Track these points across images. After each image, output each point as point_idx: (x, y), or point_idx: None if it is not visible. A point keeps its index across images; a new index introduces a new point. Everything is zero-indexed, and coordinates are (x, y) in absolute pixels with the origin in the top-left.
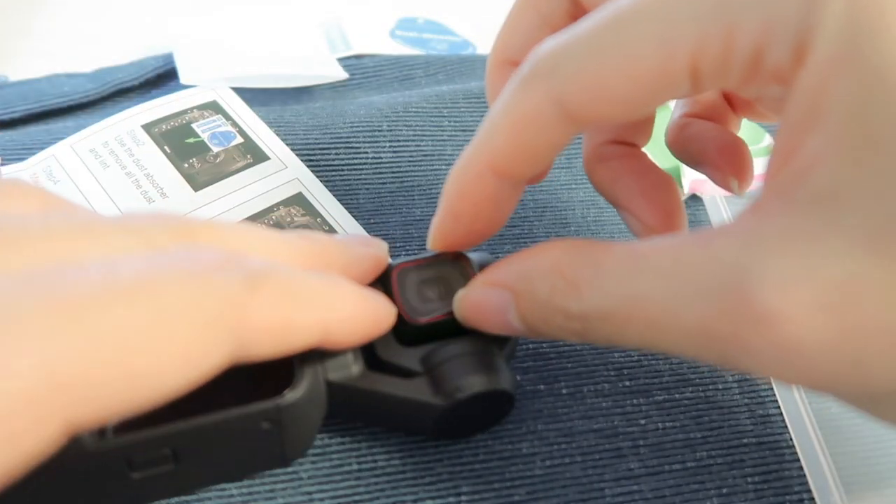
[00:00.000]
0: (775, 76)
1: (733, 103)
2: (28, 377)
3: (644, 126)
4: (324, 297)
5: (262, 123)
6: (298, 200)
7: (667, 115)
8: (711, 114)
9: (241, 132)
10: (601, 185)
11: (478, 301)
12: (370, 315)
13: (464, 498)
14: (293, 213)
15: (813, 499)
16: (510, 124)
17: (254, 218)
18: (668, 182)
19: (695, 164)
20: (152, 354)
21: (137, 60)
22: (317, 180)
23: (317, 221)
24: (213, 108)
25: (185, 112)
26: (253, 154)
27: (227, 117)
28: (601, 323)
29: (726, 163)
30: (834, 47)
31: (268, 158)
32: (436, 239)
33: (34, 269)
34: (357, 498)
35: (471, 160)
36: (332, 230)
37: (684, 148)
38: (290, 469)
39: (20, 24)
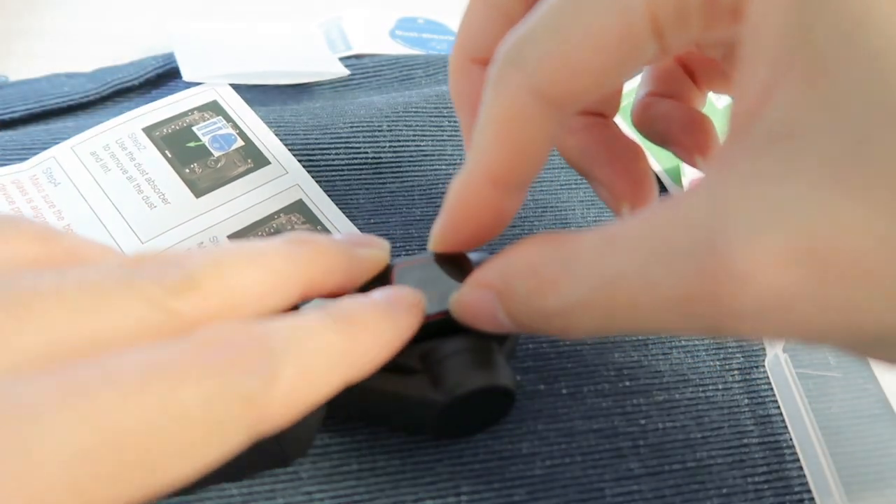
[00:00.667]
0: (730, 11)
1: (695, 77)
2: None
3: (612, 97)
4: (346, 358)
5: (262, 124)
6: (299, 208)
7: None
8: (674, 91)
9: (242, 134)
10: (570, 155)
11: (468, 302)
12: (395, 343)
13: (464, 498)
14: (293, 221)
15: (813, 499)
16: (497, 132)
17: (254, 226)
18: (636, 151)
19: (661, 142)
20: (165, 454)
21: (137, 60)
22: (317, 186)
23: (317, 229)
24: (214, 108)
25: (185, 114)
26: (254, 158)
27: (228, 118)
28: (583, 314)
29: (691, 140)
30: None
31: (268, 163)
32: (437, 243)
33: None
34: (357, 498)
35: (469, 175)
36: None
37: (650, 127)
38: (290, 469)
39: (20, 24)
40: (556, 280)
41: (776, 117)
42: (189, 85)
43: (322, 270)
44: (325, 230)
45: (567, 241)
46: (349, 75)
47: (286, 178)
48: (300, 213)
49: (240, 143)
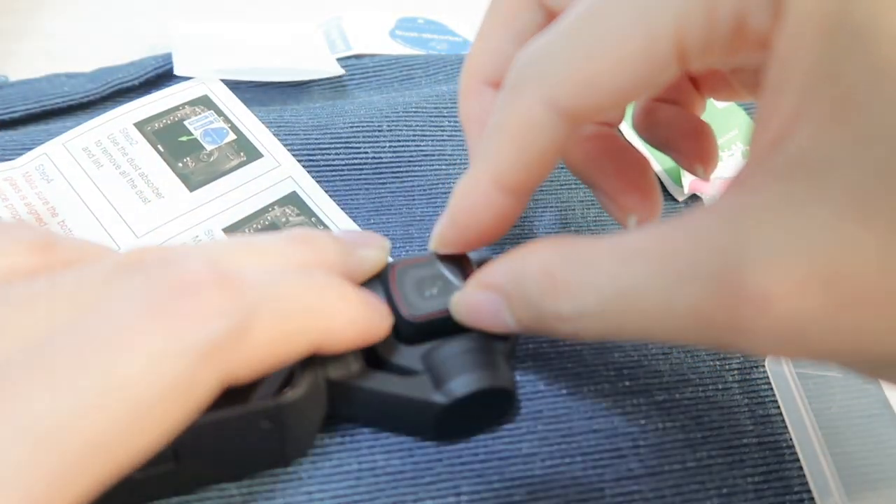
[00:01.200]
0: (758, 41)
1: (698, 84)
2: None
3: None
4: (317, 312)
5: (253, 118)
6: (293, 200)
7: None
8: (676, 97)
9: (234, 128)
10: (575, 166)
11: (472, 303)
12: (363, 323)
13: (464, 498)
14: (287, 214)
15: (813, 499)
16: (508, 138)
17: (249, 219)
18: (641, 162)
19: (662, 147)
20: (139, 397)
21: (137, 60)
22: (310, 178)
23: (311, 221)
24: (205, 103)
25: (176, 109)
26: (246, 151)
27: (219, 112)
28: (595, 320)
29: (692, 147)
30: (809, 4)
31: (261, 156)
32: (438, 243)
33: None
34: (357, 498)
35: (475, 178)
36: (326, 230)
37: (651, 132)
38: (290, 469)
39: (20, 24)
40: (571, 284)
41: (801, 146)
42: (181, 80)
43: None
44: (320, 222)
45: (583, 247)
46: (349, 75)
47: (279, 171)
48: (294, 206)
49: (232, 136)
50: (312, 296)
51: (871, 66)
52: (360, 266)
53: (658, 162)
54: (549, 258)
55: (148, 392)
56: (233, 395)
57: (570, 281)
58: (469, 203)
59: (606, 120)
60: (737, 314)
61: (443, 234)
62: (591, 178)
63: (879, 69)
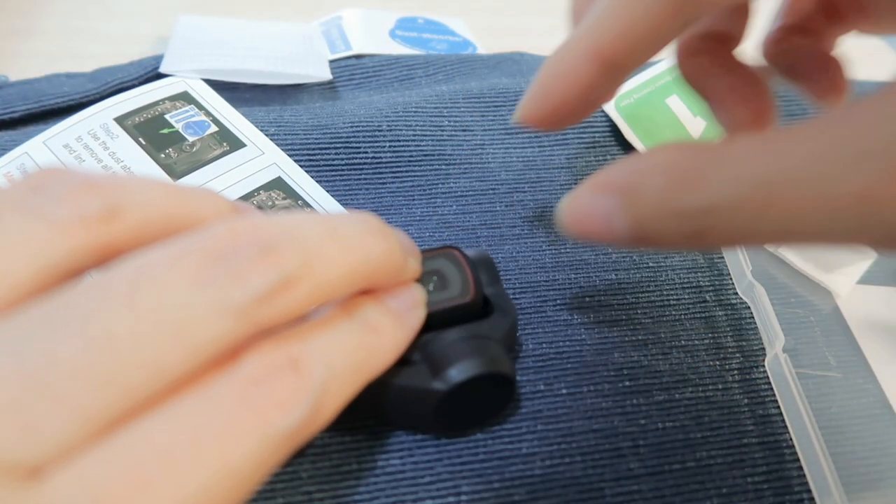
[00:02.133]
0: None
1: (832, 17)
2: None
3: (741, 19)
4: (368, 366)
5: (234, 111)
6: (278, 184)
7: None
8: (808, 27)
9: (215, 121)
10: (690, 77)
11: (583, 206)
12: (402, 350)
13: (464, 498)
14: (273, 197)
15: (813, 499)
16: (621, 7)
17: None
18: (758, 80)
19: (792, 76)
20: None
21: (137, 60)
22: (294, 164)
23: (298, 204)
24: (185, 98)
25: (156, 104)
26: (229, 142)
27: (200, 107)
28: (731, 215)
29: (826, 79)
30: None
31: (244, 145)
32: (521, 113)
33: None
34: (357, 498)
35: (572, 43)
36: (312, 212)
37: (782, 60)
38: (290, 469)
39: (20, 24)
40: (705, 174)
41: None
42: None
43: (386, 273)
44: (306, 204)
45: (716, 144)
46: (348, 75)
47: (263, 158)
48: (280, 190)
49: (213, 128)
50: (366, 353)
51: None
52: (406, 275)
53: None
54: (677, 152)
55: (240, 479)
56: None
57: (703, 169)
58: (562, 69)
59: (725, 29)
60: None
61: (528, 104)
62: (705, 90)
63: None
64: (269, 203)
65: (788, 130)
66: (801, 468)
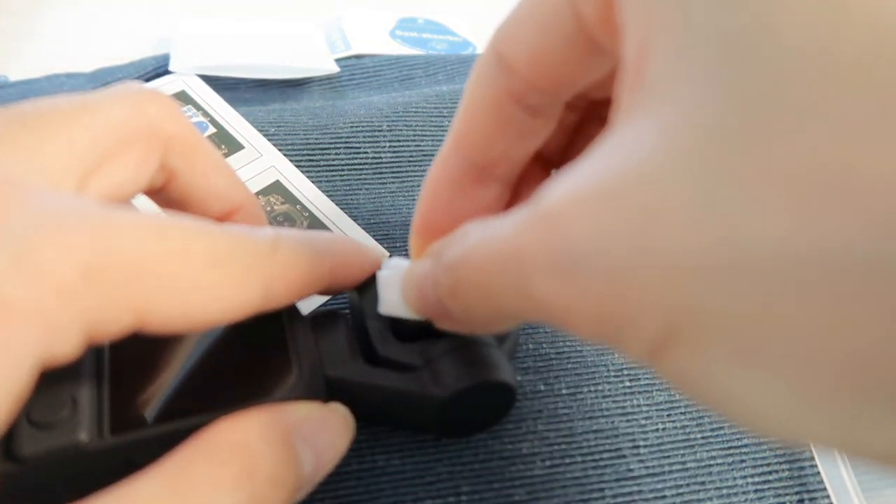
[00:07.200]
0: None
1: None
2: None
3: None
4: (328, 247)
5: (233, 111)
6: (277, 188)
7: None
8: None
9: (213, 122)
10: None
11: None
12: (364, 257)
13: (464, 498)
14: (272, 202)
15: (813, 499)
16: (464, 96)
17: None
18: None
19: None
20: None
21: (137, 60)
22: (293, 167)
23: (296, 209)
24: (183, 98)
25: None
26: (227, 144)
27: (198, 107)
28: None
29: None
30: None
31: (242, 147)
32: (412, 232)
33: None
34: (357, 498)
35: (440, 151)
36: (312, 216)
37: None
38: None
39: (20, 24)
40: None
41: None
42: (179, 73)
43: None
44: (305, 209)
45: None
46: (349, 75)
47: (262, 161)
48: (279, 194)
49: (212, 129)
50: (323, 237)
51: None
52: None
53: None
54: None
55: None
56: (232, 395)
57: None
58: (433, 175)
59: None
60: (527, 238)
61: (414, 222)
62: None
63: None
64: (269, 208)
65: None
66: (801, 468)
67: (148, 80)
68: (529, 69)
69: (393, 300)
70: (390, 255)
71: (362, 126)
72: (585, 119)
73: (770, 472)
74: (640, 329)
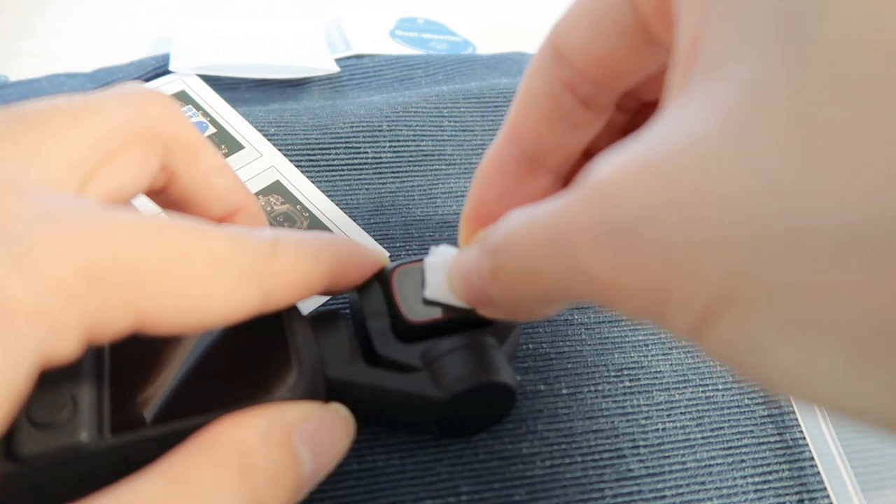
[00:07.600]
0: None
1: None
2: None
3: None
4: (328, 247)
5: (233, 111)
6: (277, 188)
7: None
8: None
9: (213, 122)
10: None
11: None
12: (364, 257)
13: (464, 498)
14: (272, 202)
15: (813, 499)
16: (520, 89)
17: None
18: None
19: None
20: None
21: (137, 60)
22: (293, 167)
23: (296, 209)
24: (183, 98)
25: None
26: (227, 144)
27: (198, 107)
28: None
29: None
30: None
31: (242, 147)
32: (462, 221)
33: None
34: (357, 498)
35: (494, 141)
36: (312, 216)
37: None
38: None
39: (20, 24)
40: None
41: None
42: (179, 73)
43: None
44: (305, 209)
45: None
46: (349, 75)
47: (262, 161)
48: (279, 194)
49: (212, 129)
50: (323, 238)
51: None
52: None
53: None
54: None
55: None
56: (232, 395)
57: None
58: (485, 164)
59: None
60: (575, 214)
61: (464, 210)
62: None
63: None
64: (269, 208)
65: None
66: (801, 468)
67: (148, 80)
68: (584, 60)
69: (439, 285)
70: (390, 256)
71: (362, 126)
72: (635, 122)
73: (770, 472)
74: (688, 301)
